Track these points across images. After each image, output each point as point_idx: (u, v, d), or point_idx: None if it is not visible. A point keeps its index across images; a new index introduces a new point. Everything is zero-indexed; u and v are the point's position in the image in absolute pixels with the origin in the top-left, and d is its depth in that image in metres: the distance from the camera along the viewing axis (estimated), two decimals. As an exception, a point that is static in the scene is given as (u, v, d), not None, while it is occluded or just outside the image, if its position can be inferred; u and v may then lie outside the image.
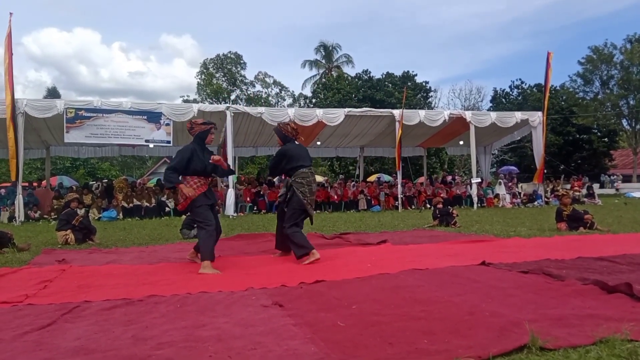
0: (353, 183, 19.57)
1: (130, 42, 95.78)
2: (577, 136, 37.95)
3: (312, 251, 5.26)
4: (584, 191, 20.72)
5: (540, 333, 2.40)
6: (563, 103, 37.41)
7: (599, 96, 36.16)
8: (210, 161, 5.29)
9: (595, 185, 24.43)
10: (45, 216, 14.65)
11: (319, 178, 27.47)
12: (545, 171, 18.93)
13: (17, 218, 13.28)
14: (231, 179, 15.90)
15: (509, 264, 4.61)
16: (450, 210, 10.21)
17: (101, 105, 14.45)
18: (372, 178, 24.71)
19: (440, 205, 10.62)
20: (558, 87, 38.51)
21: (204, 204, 5.23)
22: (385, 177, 25.83)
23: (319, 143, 20.75)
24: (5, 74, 13.17)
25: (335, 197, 17.86)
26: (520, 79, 43.66)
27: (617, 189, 29.83)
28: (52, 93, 45.75)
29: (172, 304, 3.43)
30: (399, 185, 17.17)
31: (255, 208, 17.08)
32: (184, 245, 7.42)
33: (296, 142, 5.68)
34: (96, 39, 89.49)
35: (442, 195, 16.82)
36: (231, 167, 5.78)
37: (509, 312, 2.89)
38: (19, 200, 13.41)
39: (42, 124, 15.53)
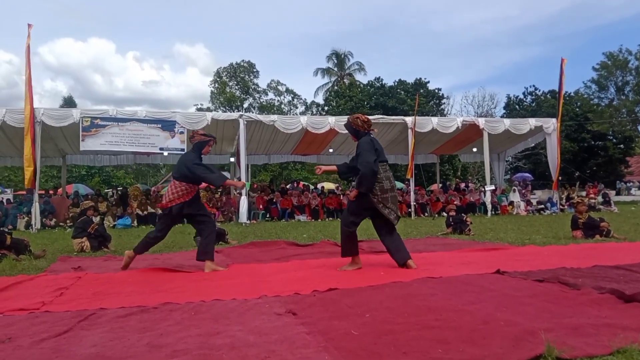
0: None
1: (144, 52, 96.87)
2: (592, 143, 37.58)
3: (359, 261, 5.33)
4: (600, 198, 20.49)
5: (556, 342, 2.37)
6: (577, 109, 37.10)
7: (614, 102, 35.76)
8: None
9: (611, 193, 24.11)
10: (61, 224, 14.82)
11: (331, 185, 27.50)
12: (560, 178, 18.76)
13: (33, 226, 13.45)
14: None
15: (524, 273, 4.57)
16: (464, 218, 10.15)
17: (116, 114, 14.63)
18: (385, 185, 24.62)
19: (453, 213, 10.56)
20: (572, 94, 38.21)
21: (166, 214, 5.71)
22: (398, 185, 25.77)
23: (331, 150, 20.79)
24: (25, 84, 13.39)
25: (348, 204, 17.81)
26: (533, 86, 43.31)
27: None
28: (68, 102, 46.38)
29: (186, 311, 3.45)
30: (412, 193, 17.12)
31: (267, 215, 17.13)
32: (198, 252, 7.45)
33: (371, 135, 5.40)
34: (111, 48, 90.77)
35: (455, 202, 16.73)
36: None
37: (524, 321, 2.86)
38: (36, 208, 13.59)
39: (59, 132, 15.76)
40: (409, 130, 16.77)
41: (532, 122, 18.14)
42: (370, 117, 17.68)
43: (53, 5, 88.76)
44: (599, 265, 4.87)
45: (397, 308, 3.34)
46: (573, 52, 76.72)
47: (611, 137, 37.63)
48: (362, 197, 5.14)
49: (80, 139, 14.16)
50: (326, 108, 39.94)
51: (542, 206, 18.73)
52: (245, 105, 45.25)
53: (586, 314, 3.05)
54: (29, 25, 13.26)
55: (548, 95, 39.61)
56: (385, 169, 5.21)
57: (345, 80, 45.84)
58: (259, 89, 47.04)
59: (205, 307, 3.56)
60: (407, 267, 5.13)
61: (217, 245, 8.44)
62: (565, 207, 18.87)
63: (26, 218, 14.61)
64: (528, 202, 19.29)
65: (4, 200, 19.23)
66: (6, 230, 8.74)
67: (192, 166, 5.47)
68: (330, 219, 16.98)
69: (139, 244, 5.72)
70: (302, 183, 27.20)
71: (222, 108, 42.57)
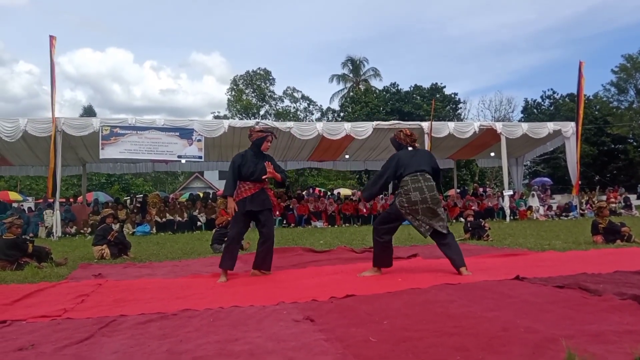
0: (382, 196, 19.49)
1: (161, 61, 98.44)
2: (612, 146, 37.09)
3: (381, 269, 5.29)
4: (621, 202, 20.14)
5: (577, 350, 2.34)
6: (597, 113, 36.64)
7: (634, 105, 35.29)
8: (265, 174, 5.45)
9: (632, 196, 23.69)
10: (81, 231, 15.03)
11: (347, 191, 27.47)
12: (580, 182, 18.51)
13: (54, 233, 13.66)
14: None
15: (544, 279, 4.51)
16: (482, 223, 10.06)
17: (135, 122, 14.83)
18: (402, 191, 24.51)
19: (471, 218, 10.48)
20: (591, 97, 37.76)
21: (238, 213, 5.51)
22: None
23: (347, 157, 20.79)
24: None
25: (365, 210, 17.81)
26: (552, 89, 42.90)
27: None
28: (88, 111, 47.13)
29: (205, 318, 3.47)
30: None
31: (284, 222, 17.16)
32: (216, 259, 7.48)
33: (409, 149, 5.41)
34: (129, 58, 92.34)
35: (473, 207, 16.59)
36: (285, 181, 5.87)
37: (544, 328, 2.83)
38: (57, 216, 13.81)
39: (79, 141, 16.01)
40: (426, 136, 16.69)
41: (551, 126, 17.94)
42: (386, 123, 17.55)
43: (72, 16, 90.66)
44: (621, 271, 4.78)
45: (415, 315, 3.32)
46: (591, 54, 75.87)
47: (631, 140, 37.08)
48: (391, 208, 5.33)
49: (100, 147, 14.38)
50: (342, 114, 40.01)
51: (562, 212, 18.50)
52: (262, 112, 45.49)
53: (607, 320, 3.00)
54: (50, 37, 13.53)
55: (566, 99, 39.22)
56: (417, 179, 5.11)
57: (360, 86, 45.85)
58: (275, 96, 47.27)
59: (224, 314, 3.58)
60: (459, 274, 4.99)
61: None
62: (586, 211, 18.60)
63: (47, 226, 14.84)
64: (548, 207, 19.05)
65: (26, 209, 19.59)
66: (28, 238, 8.89)
67: (230, 163, 5.53)
68: (347, 225, 16.96)
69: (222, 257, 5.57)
70: (318, 189, 27.22)
71: (238, 115, 42.85)
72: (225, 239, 8.75)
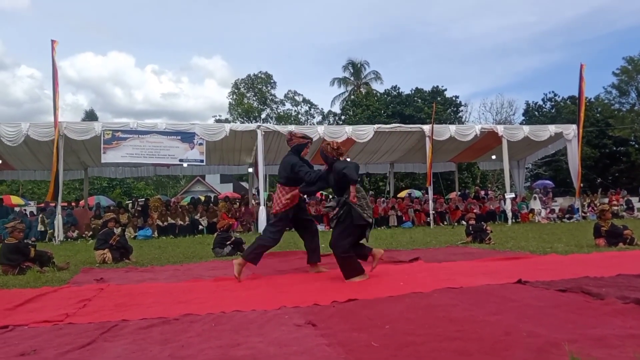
0: (383, 199, 19.48)
1: (163, 65, 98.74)
2: (614, 149, 36.99)
3: (363, 273, 5.33)
4: (623, 205, 20.10)
5: (580, 354, 2.34)
6: (598, 115, 36.58)
7: (636, 107, 35.28)
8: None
9: (634, 199, 23.62)
10: (83, 235, 15.04)
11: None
12: (582, 185, 18.49)
13: (56, 237, 13.66)
14: (262, 196, 16.06)
15: (546, 282, 4.50)
16: (484, 227, 10.04)
17: (137, 126, 14.83)
18: (403, 194, 24.56)
19: (472, 221, 10.46)
20: (592, 99, 37.68)
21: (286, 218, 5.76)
22: (416, 193, 25.62)
23: (348, 159, 20.74)
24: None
25: (366, 213, 17.77)
26: (553, 92, 42.87)
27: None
28: (90, 115, 47.21)
29: (207, 322, 3.47)
30: (430, 201, 17.01)
31: (286, 225, 17.12)
32: (217, 263, 7.52)
33: (340, 159, 5.55)
34: (130, 62, 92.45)
35: (474, 210, 16.57)
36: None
37: (547, 332, 2.82)
38: (59, 220, 13.82)
39: (81, 145, 16.03)
40: (427, 139, 16.70)
41: (552, 128, 17.94)
42: (387, 126, 17.53)
43: (74, 20, 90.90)
44: (623, 274, 4.77)
45: (418, 319, 3.32)
46: (593, 57, 75.50)
47: (633, 143, 37.02)
48: (350, 221, 5.23)
49: (102, 151, 14.40)
50: (343, 117, 40.00)
51: (564, 214, 18.48)
52: (263, 115, 45.62)
53: (610, 324, 3.00)
54: (52, 42, 13.58)
55: (568, 101, 39.16)
56: (359, 188, 5.34)
57: (361, 89, 45.91)
58: (276, 99, 47.42)
59: (226, 319, 3.58)
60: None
61: (235, 254, 8.50)
62: (588, 214, 18.58)
63: (50, 231, 14.86)
64: (550, 210, 19.03)
65: (28, 213, 19.60)
66: (30, 242, 8.90)
67: (298, 170, 5.59)
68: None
69: (252, 252, 5.74)
70: (319, 192, 27.19)
71: (240, 119, 42.97)
72: (260, 241, 8.59)
